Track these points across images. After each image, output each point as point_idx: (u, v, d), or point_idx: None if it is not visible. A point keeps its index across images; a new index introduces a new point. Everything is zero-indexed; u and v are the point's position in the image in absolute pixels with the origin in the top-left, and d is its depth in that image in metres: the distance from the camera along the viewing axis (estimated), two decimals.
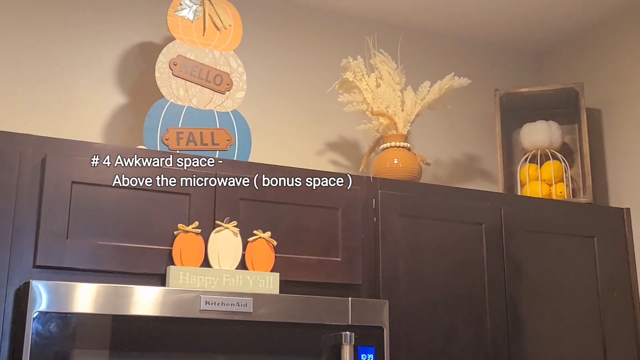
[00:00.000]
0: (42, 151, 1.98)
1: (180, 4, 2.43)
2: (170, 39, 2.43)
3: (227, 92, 2.43)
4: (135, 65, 2.65)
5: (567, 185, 2.84)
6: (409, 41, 2.96)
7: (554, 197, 2.80)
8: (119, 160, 2.06)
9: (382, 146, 2.65)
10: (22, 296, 1.80)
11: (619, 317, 2.62)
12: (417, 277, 2.35)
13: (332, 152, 2.87)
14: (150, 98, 2.44)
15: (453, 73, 2.70)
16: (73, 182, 1.98)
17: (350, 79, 2.63)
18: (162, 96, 2.35)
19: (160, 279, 2.01)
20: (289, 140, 2.80)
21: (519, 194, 2.88)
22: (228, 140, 2.38)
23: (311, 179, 2.27)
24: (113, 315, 1.83)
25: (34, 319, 1.72)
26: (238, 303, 1.94)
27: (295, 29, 2.92)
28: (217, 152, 2.36)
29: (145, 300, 1.87)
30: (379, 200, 2.36)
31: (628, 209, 2.75)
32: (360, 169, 2.74)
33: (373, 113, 2.62)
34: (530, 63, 3.30)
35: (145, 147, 2.24)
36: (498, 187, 2.89)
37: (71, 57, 2.56)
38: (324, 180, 2.29)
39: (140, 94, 2.60)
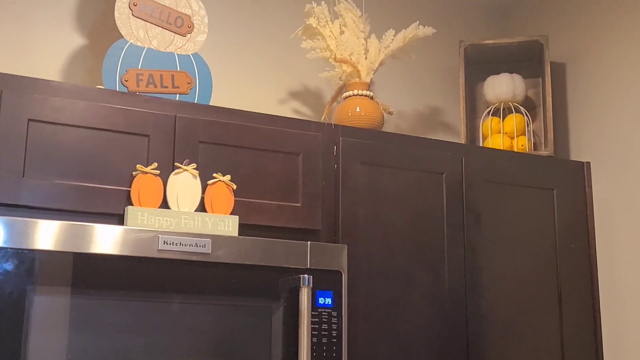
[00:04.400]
0: None
1: None
2: None
3: (188, 35, 2.39)
4: (95, 5, 2.59)
5: (529, 139, 2.86)
6: None
7: (516, 150, 2.82)
8: (77, 99, 2.02)
9: (344, 94, 2.64)
10: None
11: (575, 268, 2.67)
12: (376, 224, 2.36)
13: (295, 100, 2.86)
14: (110, 39, 2.39)
15: (418, 22, 2.69)
16: (30, 120, 1.94)
17: (314, 25, 2.60)
18: (122, 37, 2.30)
19: (118, 219, 1.99)
20: (251, 86, 2.77)
21: (481, 146, 2.90)
22: (189, 83, 2.35)
23: (272, 124, 2.25)
24: (73, 253, 1.81)
25: None
26: (196, 244, 1.93)
27: None
28: (178, 95, 2.32)
29: (104, 239, 1.85)
30: (340, 147, 2.36)
31: (588, 163, 2.79)
32: (323, 118, 2.73)
33: (336, 60, 2.60)
34: (496, 15, 3.30)
35: (101, 87, 2.20)
36: (460, 140, 2.90)
37: None
38: (285, 125, 2.28)
39: (100, 35, 2.55)
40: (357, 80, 2.61)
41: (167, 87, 2.32)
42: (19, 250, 1.76)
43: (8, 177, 1.89)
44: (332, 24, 2.62)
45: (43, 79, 2.05)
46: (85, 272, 1.84)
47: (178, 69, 2.34)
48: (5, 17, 2.45)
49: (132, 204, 2.00)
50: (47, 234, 1.80)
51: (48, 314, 1.78)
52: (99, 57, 2.48)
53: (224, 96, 2.55)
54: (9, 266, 1.74)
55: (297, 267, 2.05)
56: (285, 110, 2.81)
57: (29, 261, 1.77)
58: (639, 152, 2.65)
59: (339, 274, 2.11)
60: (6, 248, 1.75)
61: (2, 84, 1.94)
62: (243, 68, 2.77)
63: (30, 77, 2.01)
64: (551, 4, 3.10)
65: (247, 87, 2.76)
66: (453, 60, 3.00)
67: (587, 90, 2.89)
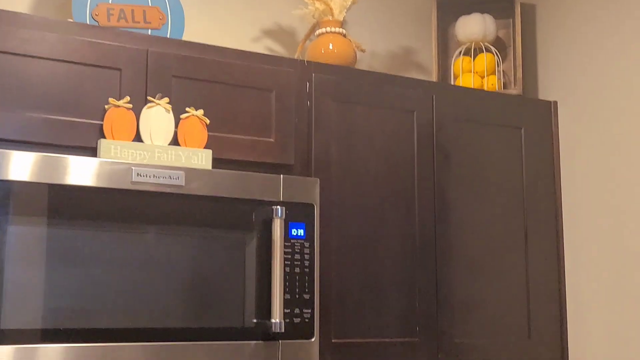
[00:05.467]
0: None
1: None
2: None
3: None
4: None
5: (499, 78, 2.90)
6: None
7: (486, 89, 2.86)
8: (47, 32, 2.01)
9: (317, 32, 2.65)
10: None
11: (542, 205, 2.74)
12: (349, 160, 2.39)
13: (268, 38, 2.85)
14: None
15: None
16: (1, 53, 1.93)
17: None
18: None
19: (91, 152, 2.00)
20: (225, 24, 2.76)
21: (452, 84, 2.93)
22: (160, 18, 2.34)
23: (245, 60, 2.26)
24: (47, 184, 1.83)
25: None
26: (170, 176, 1.96)
27: None
28: (149, 30, 2.31)
29: (78, 171, 1.87)
30: (312, 84, 2.37)
31: (555, 102, 2.84)
32: (296, 55, 2.74)
33: None
34: None
35: (72, 20, 2.19)
36: (432, 79, 2.93)
37: None
38: (258, 61, 2.29)
39: None
40: (330, 18, 2.61)
41: (138, 22, 2.30)
42: None
43: None
44: None
45: (12, 11, 2.04)
46: (60, 203, 1.86)
47: (150, 4, 2.33)
48: None
49: (105, 137, 2.00)
50: (21, 165, 1.81)
51: (23, 244, 1.80)
52: None
53: (196, 33, 2.53)
54: None
55: (270, 199, 2.08)
56: (259, 47, 2.81)
57: (3, 191, 1.78)
58: (605, 91, 2.70)
59: (311, 206, 2.15)
60: None
61: None
62: (216, 4, 2.75)
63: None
64: None
65: (221, 24, 2.75)
66: (426, 0, 3.01)
67: (556, 31, 2.92)
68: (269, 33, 2.85)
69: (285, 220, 2.05)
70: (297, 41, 2.86)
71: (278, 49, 2.85)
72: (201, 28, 2.64)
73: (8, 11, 2.01)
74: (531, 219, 2.70)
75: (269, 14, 2.84)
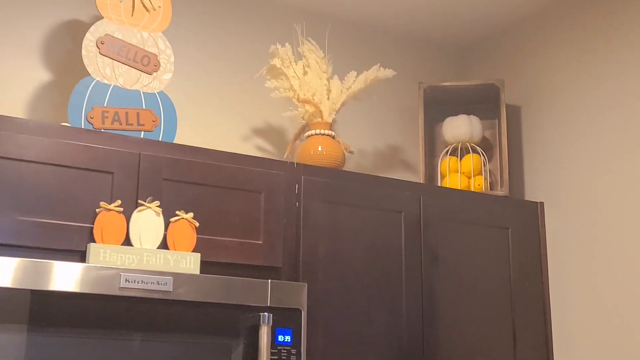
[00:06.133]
0: None
1: None
2: (99, 17, 2.42)
3: (155, 73, 2.44)
4: (62, 42, 2.62)
5: (485, 178, 2.94)
6: (337, 31, 3.02)
7: (473, 190, 2.90)
8: (42, 136, 2.05)
9: (307, 133, 2.70)
10: None
11: (529, 305, 2.74)
12: (336, 262, 2.41)
13: (258, 137, 2.91)
14: (76, 76, 2.42)
15: (379, 64, 2.77)
16: None
17: (278, 66, 2.67)
18: (88, 74, 2.34)
19: (80, 256, 2.01)
20: (216, 124, 2.82)
21: (439, 185, 2.97)
22: (154, 121, 2.39)
23: (235, 162, 2.30)
24: (32, 290, 1.83)
25: None
26: (158, 281, 1.96)
27: (225, 14, 2.94)
28: (143, 132, 2.36)
29: (65, 276, 1.87)
30: (301, 185, 2.41)
31: (542, 203, 2.88)
32: (285, 155, 2.79)
33: (299, 100, 2.66)
34: (454, 58, 3.40)
35: (68, 125, 2.23)
36: (419, 178, 2.97)
37: None
38: (248, 163, 2.33)
39: (66, 72, 2.57)
40: (319, 120, 2.67)
41: (132, 124, 2.35)
42: None
43: None
44: (296, 64, 2.69)
45: (8, 116, 2.08)
46: (44, 309, 1.86)
47: (143, 107, 2.38)
48: None
49: (94, 241, 2.02)
50: (5, 271, 1.81)
51: (4, 352, 1.78)
52: (65, 93, 2.51)
53: (188, 133, 2.58)
54: None
55: (257, 305, 2.08)
56: (249, 146, 2.86)
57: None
58: (591, 193, 2.74)
59: (298, 312, 2.15)
60: None
61: None
62: (208, 106, 2.81)
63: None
64: (506, 48, 3.21)
65: (212, 124, 2.80)
66: (413, 101, 3.09)
67: (542, 132, 2.99)
68: (259, 132, 2.91)
69: (272, 326, 2.04)
70: (286, 140, 2.91)
71: (268, 148, 2.91)
72: (193, 127, 2.70)
73: (4, 116, 2.05)
74: (519, 319, 2.70)
75: (259, 115, 2.90)
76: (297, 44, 2.76)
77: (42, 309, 1.85)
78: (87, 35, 2.35)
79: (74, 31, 2.62)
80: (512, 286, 2.72)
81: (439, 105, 3.08)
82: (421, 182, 2.91)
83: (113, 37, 2.39)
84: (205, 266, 2.14)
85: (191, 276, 2.03)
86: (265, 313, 2.03)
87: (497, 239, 2.74)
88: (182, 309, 2.01)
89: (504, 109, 2.98)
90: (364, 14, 3.12)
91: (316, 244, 2.38)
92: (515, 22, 3.15)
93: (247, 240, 2.27)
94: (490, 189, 2.95)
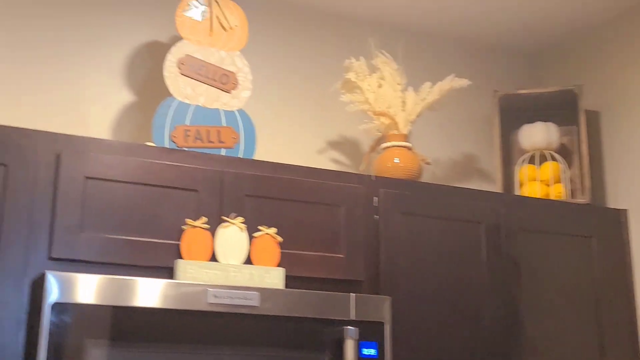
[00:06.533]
0: (57, 147, 2.03)
1: (188, 5, 2.48)
2: (178, 38, 2.49)
3: (233, 91, 2.49)
4: (143, 64, 2.69)
5: (565, 186, 2.89)
6: (410, 43, 3.02)
7: (552, 198, 2.86)
8: (128, 156, 2.11)
9: (383, 145, 2.71)
10: (38, 287, 1.85)
11: (616, 316, 2.67)
12: (417, 274, 2.40)
13: (334, 150, 2.93)
14: (158, 96, 2.49)
15: (453, 74, 2.76)
16: (86, 178, 2.03)
17: (353, 79, 2.69)
18: (170, 94, 2.40)
19: (168, 272, 2.07)
20: (292, 138, 2.86)
21: (517, 194, 2.94)
22: (234, 138, 2.43)
23: (315, 177, 2.33)
24: (125, 307, 1.88)
25: (49, 310, 1.78)
26: (245, 297, 2.00)
27: (300, 30, 2.98)
28: (223, 149, 2.41)
29: (155, 293, 1.92)
30: (380, 198, 2.42)
31: (626, 210, 2.81)
32: (361, 168, 2.80)
33: (375, 113, 2.68)
34: (530, 64, 3.36)
35: (153, 144, 2.29)
36: (496, 187, 2.95)
37: (81, 56, 2.60)
38: (327, 177, 2.36)
39: (148, 92, 2.65)
40: (395, 132, 2.68)
41: (213, 142, 2.40)
42: (73, 305, 1.83)
43: (67, 233, 1.98)
44: (370, 77, 2.70)
45: (97, 138, 2.16)
46: (136, 325, 1.90)
47: (224, 125, 2.43)
48: (59, 76, 2.55)
49: (182, 258, 2.07)
50: (99, 289, 1.87)
51: None
52: (148, 113, 2.58)
53: (266, 149, 2.63)
54: (64, 320, 1.81)
55: (341, 318, 2.10)
56: (324, 160, 2.89)
57: (84, 315, 1.84)
58: None
59: (382, 325, 2.15)
60: (61, 303, 1.81)
61: (61, 145, 2.04)
62: (284, 121, 2.86)
63: (85, 137, 2.11)
64: (584, 53, 3.16)
65: (288, 138, 2.84)
66: (488, 110, 3.06)
67: (622, 137, 2.92)
68: (334, 145, 2.93)
69: (357, 340, 2.05)
70: (361, 152, 2.93)
71: (343, 160, 2.93)
72: (270, 142, 2.73)
73: (93, 138, 2.13)
74: (606, 329, 2.63)
75: (334, 128, 2.93)
76: (370, 57, 2.77)
77: (134, 325, 1.90)
78: (168, 56, 2.42)
79: (154, 52, 2.69)
80: (598, 297, 2.66)
81: (514, 112, 3.05)
82: (498, 191, 2.88)
83: (193, 57, 2.45)
84: (288, 280, 2.17)
85: (277, 291, 2.06)
86: (350, 327, 2.05)
87: (580, 249, 2.69)
88: (268, 323, 2.04)
89: (584, 115, 2.92)
90: (436, 24, 3.12)
91: (396, 257, 2.38)
92: (591, 27, 3.10)
93: (328, 254, 2.29)
94: (571, 197, 2.90)
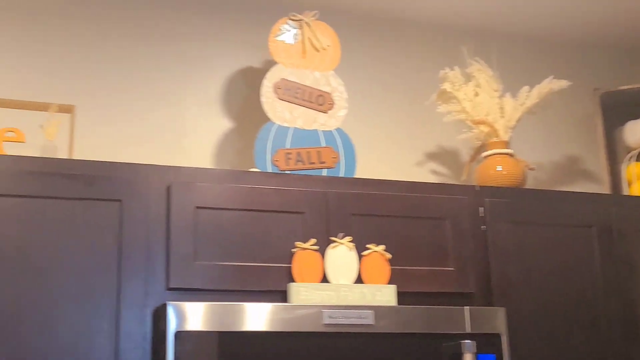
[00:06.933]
0: (167, 180, 2.09)
1: (280, 29, 2.52)
2: (270, 62, 2.53)
3: (330, 111, 2.50)
4: (238, 89, 2.75)
5: None
6: (504, 47, 2.98)
7: None
8: (235, 183, 2.15)
9: (483, 154, 2.67)
10: (160, 317, 1.91)
11: None
12: (528, 283, 2.35)
13: (433, 162, 2.91)
14: (255, 121, 2.54)
15: (552, 76, 2.70)
16: (196, 207, 2.08)
17: (449, 90, 2.67)
18: (268, 118, 2.44)
19: (280, 296, 2.09)
20: (390, 153, 2.85)
21: (626, 193, 2.84)
22: (334, 157, 2.45)
23: (418, 191, 2.32)
24: (243, 332, 1.91)
25: (172, 339, 1.82)
26: (359, 316, 2.00)
27: (391, 43, 2.98)
28: (325, 170, 2.43)
29: (271, 317, 1.94)
30: (486, 208, 2.38)
31: None
32: (462, 178, 2.77)
33: (474, 122, 2.64)
34: (630, 60, 3.25)
35: (257, 169, 2.33)
36: (602, 188, 2.86)
37: (180, 89, 2.68)
38: (431, 191, 2.34)
39: (245, 118, 2.70)
40: (495, 139, 2.64)
41: (314, 163, 2.42)
42: (196, 333, 1.87)
43: (182, 263, 2.03)
44: (466, 86, 2.67)
45: (204, 168, 2.22)
46: (255, 350, 1.93)
47: (323, 145, 2.45)
48: (161, 110, 2.63)
49: (293, 280, 2.09)
50: (220, 316, 1.90)
51: None
52: (246, 138, 2.63)
53: (365, 165, 2.63)
54: (188, 348, 1.85)
55: (457, 332, 2.07)
56: (424, 172, 2.87)
57: (206, 343, 1.88)
58: None
59: (499, 337, 2.12)
60: (184, 331, 1.85)
61: (170, 176, 2.10)
62: (381, 136, 2.86)
63: (192, 168, 2.17)
64: None
65: (386, 153, 2.84)
66: (589, 108, 2.98)
67: None
68: (432, 157, 2.91)
69: (474, 353, 2.02)
70: (460, 162, 2.90)
71: (443, 171, 2.90)
72: (368, 157, 2.73)
73: (201, 168, 2.18)
74: None
75: (432, 139, 2.91)
76: (464, 65, 2.74)
77: (253, 350, 1.93)
78: (264, 81, 2.46)
79: (249, 78, 2.74)
80: None
81: (617, 109, 2.96)
82: (606, 191, 2.80)
83: (288, 80, 2.48)
84: (398, 296, 2.16)
85: (391, 308, 2.05)
86: (467, 340, 2.02)
87: None
88: (383, 341, 2.03)
89: None
90: (528, 26, 3.06)
91: (506, 266, 2.34)
92: None
93: (438, 268, 2.27)
94: None
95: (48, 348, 1.88)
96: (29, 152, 2.29)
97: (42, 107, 2.35)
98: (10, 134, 2.27)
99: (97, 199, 2.01)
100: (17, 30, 2.52)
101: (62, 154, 2.38)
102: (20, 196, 1.96)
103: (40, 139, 2.33)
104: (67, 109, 2.39)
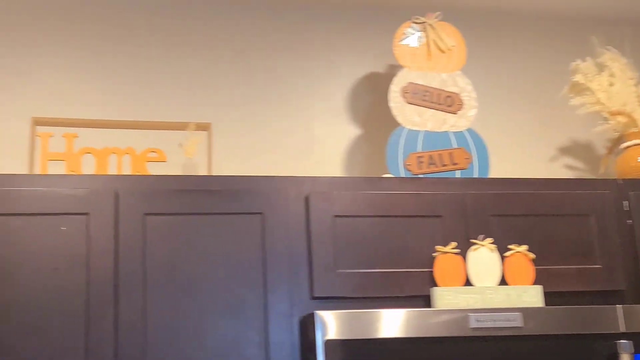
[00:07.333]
0: (304, 190, 2.13)
1: (404, 33, 2.51)
2: (394, 66, 2.52)
3: (459, 112, 2.47)
4: (363, 96, 2.76)
5: None
6: (636, 33, 2.85)
7: None
8: (371, 190, 2.16)
9: (622, 145, 2.57)
10: (307, 326, 1.93)
11: None
12: None
13: (567, 157, 2.82)
14: (381, 126, 2.54)
15: None
16: (335, 216, 2.11)
17: (581, 81, 2.58)
18: (394, 123, 2.43)
19: (423, 301, 2.08)
20: (522, 149, 2.79)
21: None
22: (467, 158, 2.42)
23: (557, 188, 2.26)
24: (390, 339, 1.91)
25: (322, 347, 1.85)
26: (507, 318, 1.96)
27: (517, 38, 2.92)
28: (458, 171, 2.40)
29: (417, 323, 1.93)
30: (631, 201, 2.29)
31: None
32: (601, 171, 2.68)
33: (610, 113, 2.55)
34: None
35: (390, 175, 2.33)
36: None
37: (308, 100, 2.71)
38: (570, 187, 2.27)
39: (372, 123, 2.71)
40: (634, 129, 2.53)
41: (446, 165, 2.40)
42: (344, 341, 1.88)
43: (324, 271, 2.06)
44: (600, 76, 2.58)
45: (338, 177, 2.24)
46: (401, 357, 1.92)
47: (455, 147, 2.42)
48: (291, 122, 2.67)
49: (435, 285, 2.08)
50: (364, 323, 1.90)
51: None
52: (374, 144, 2.64)
53: (498, 163, 2.58)
54: (337, 357, 1.86)
55: (610, 332, 2.00)
56: (558, 167, 2.79)
57: (354, 350, 1.89)
58: None
59: None
60: (332, 340, 1.86)
61: (308, 187, 2.13)
62: (513, 133, 2.80)
63: (328, 177, 2.19)
64: None
65: (518, 150, 2.78)
66: None
67: None
68: (566, 151, 2.83)
69: (632, 354, 1.94)
70: (596, 156, 2.80)
71: (578, 166, 2.81)
72: (500, 156, 2.69)
73: (336, 177, 2.20)
74: None
75: (564, 133, 2.83)
76: (594, 55, 2.64)
77: (397, 357, 1.92)
78: (392, 87, 2.45)
79: (373, 84, 2.75)
80: None
81: None
82: None
83: (415, 84, 2.47)
84: (545, 296, 2.11)
85: (539, 309, 2.00)
86: (624, 340, 1.94)
87: None
88: (532, 344, 1.98)
89: None
90: None
91: None
92: None
93: (584, 266, 2.19)
94: None
95: (200, 357, 1.94)
96: (171, 170, 2.39)
97: (181, 126, 2.44)
98: (152, 154, 2.36)
99: (240, 213, 2.07)
100: (155, 56, 2.63)
101: (202, 171, 2.47)
102: (167, 214, 2.04)
103: (180, 157, 2.42)
104: (204, 127, 2.47)
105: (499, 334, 1.97)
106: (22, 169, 2.37)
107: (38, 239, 1.97)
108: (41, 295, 1.92)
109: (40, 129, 2.38)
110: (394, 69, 2.58)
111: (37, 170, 2.33)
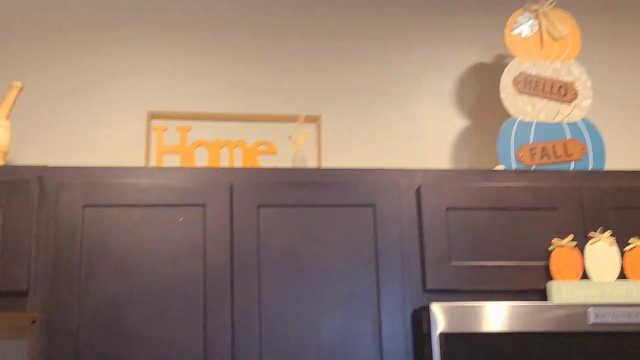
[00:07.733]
0: (416, 182, 2.12)
1: (516, 22, 2.45)
2: (502, 56, 2.48)
3: (573, 102, 2.40)
4: (470, 87, 2.71)
5: None
6: None
7: None
8: (484, 182, 2.13)
9: None
10: (420, 319, 1.93)
11: None
12: None
13: None
14: (489, 117, 2.50)
15: None
16: (447, 209, 2.09)
17: None
18: (502, 114, 2.38)
19: (538, 295, 2.04)
20: (639, 140, 2.69)
21: None
22: (581, 150, 2.35)
23: None
24: (504, 333, 1.89)
25: (437, 340, 1.84)
26: (629, 314, 1.90)
27: (635, 24, 2.80)
28: (572, 163, 2.33)
29: (535, 317, 1.90)
30: None
31: None
32: None
33: None
34: None
35: (502, 167, 2.29)
36: None
37: (414, 89, 2.69)
38: None
39: (480, 115, 2.66)
40: None
41: (560, 156, 2.34)
42: (459, 335, 1.87)
43: (436, 264, 2.04)
44: None
45: (450, 169, 2.24)
46: (514, 352, 1.89)
47: (569, 137, 2.36)
48: (399, 114, 2.65)
49: (552, 278, 2.03)
50: (479, 317, 1.89)
51: None
52: (482, 136, 2.60)
53: (612, 154, 2.50)
54: (451, 349, 1.85)
55: None
56: None
57: (469, 344, 1.87)
58: None
59: None
60: (447, 333, 1.85)
61: (419, 179, 2.13)
62: (628, 124, 2.70)
63: (440, 169, 2.18)
64: None
65: (635, 141, 2.68)
66: None
67: None
68: None
69: None
70: None
71: None
72: (616, 147, 2.59)
73: (448, 170, 2.19)
74: None
75: None
76: None
77: (511, 352, 1.89)
78: (503, 77, 2.40)
79: (480, 74, 2.70)
80: None
81: None
82: None
83: (527, 74, 2.41)
84: None
85: None
86: None
87: None
88: None
89: None
90: None
91: None
92: None
93: None
94: None
95: (315, 347, 1.96)
96: (281, 163, 2.42)
97: (291, 119, 2.47)
98: (263, 147, 2.40)
99: (352, 205, 2.08)
100: (265, 50, 2.66)
101: (311, 163, 2.49)
102: (281, 206, 2.07)
103: (289, 149, 2.45)
104: (313, 119, 2.49)
105: (620, 330, 1.91)
106: (139, 162, 2.45)
107: (157, 230, 2.03)
108: (162, 283, 1.98)
109: (155, 123, 2.46)
110: (501, 60, 2.54)
111: (153, 163, 2.41)
